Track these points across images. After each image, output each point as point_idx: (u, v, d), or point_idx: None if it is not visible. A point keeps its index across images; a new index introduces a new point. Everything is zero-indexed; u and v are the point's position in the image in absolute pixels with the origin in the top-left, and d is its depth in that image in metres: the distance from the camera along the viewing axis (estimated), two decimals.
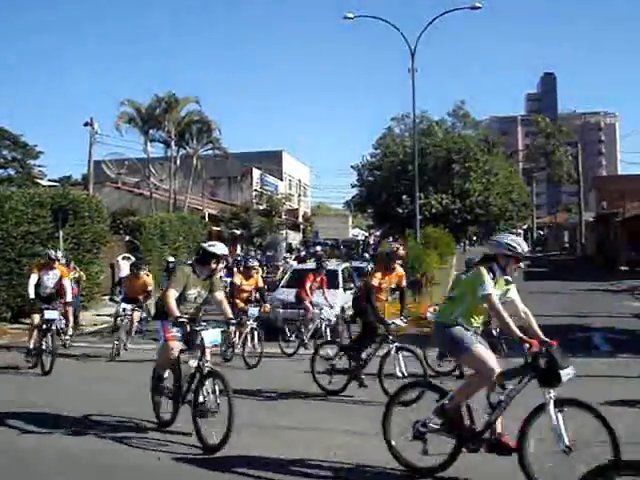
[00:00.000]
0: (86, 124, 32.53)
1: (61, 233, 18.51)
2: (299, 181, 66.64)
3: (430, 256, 28.07)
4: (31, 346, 11.92)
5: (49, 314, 11.85)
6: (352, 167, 54.69)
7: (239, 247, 37.10)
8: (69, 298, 12.74)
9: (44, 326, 11.73)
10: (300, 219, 59.02)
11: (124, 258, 23.93)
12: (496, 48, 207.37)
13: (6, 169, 52.38)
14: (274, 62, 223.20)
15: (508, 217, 50.77)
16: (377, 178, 50.80)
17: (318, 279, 14.72)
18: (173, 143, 39.07)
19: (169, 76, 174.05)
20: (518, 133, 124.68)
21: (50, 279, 12.40)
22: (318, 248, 31.30)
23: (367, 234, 64.14)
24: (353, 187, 56.95)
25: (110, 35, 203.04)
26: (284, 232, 46.99)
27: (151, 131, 38.89)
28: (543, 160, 76.45)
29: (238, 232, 37.34)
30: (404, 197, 43.70)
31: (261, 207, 42.30)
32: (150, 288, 13.91)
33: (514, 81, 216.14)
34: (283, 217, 45.54)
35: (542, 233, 77.86)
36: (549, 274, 35.21)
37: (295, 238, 52.55)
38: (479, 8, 29.95)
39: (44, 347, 11.48)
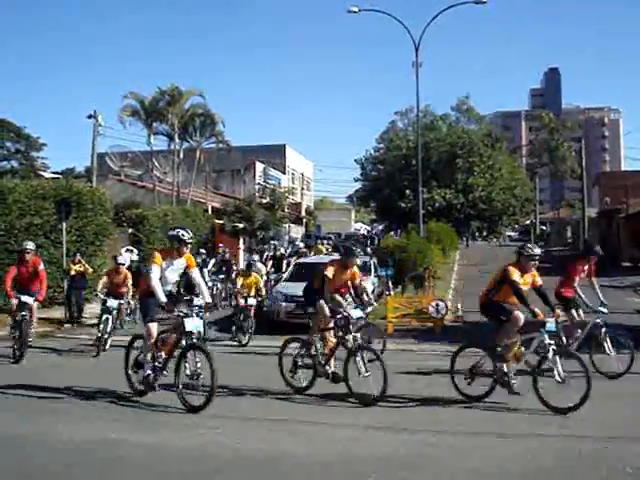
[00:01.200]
0: (90, 116, 32.50)
1: (64, 225, 18.53)
2: (302, 175, 66.54)
3: (433, 251, 28.03)
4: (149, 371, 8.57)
5: (192, 324, 8.36)
6: (355, 161, 54.82)
7: (242, 240, 37.10)
8: (208, 297, 9.06)
9: (184, 341, 8.38)
10: (303, 213, 58.98)
11: (127, 251, 24.01)
12: (500, 43, 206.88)
13: (9, 161, 52.49)
14: (277, 56, 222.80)
15: (511, 212, 50.77)
16: (380, 172, 50.80)
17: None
18: (176, 136, 39.03)
19: (172, 70, 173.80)
20: (522, 128, 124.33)
21: (175, 271, 9.02)
22: (301, 244, 31.08)
23: (370, 228, 64.13)
24: (356, 181, 57.14)
25: (113, 29, 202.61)
26: (287, 226, 46.96)
27: (154, 124, 38.88)
28: (546, 155, 76.33)
29: (241, 225, 37.28)
30: (407, 191, 43.70)
31: (264, 200, 42.22)
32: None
33: (518, 76, 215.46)
34: (286, 211, 45.48)
35: (545, 229, 77.73)
36: (552, 269, 35.10)
37: (298, 232, 52.55)
38: (484, 2, 29.90)
39: (188, 372, 8.13)
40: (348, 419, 7.84)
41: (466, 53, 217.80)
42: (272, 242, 30.22)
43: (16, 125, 51.66)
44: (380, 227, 57.64)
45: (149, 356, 8.66)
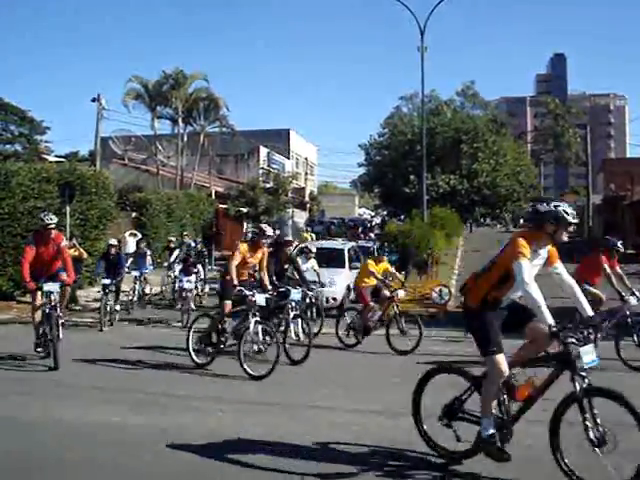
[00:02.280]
0: (93, 100, 32.44)
1: (68, 209, 18.50)
2: (306, 160, 66.43)
3: (437, 236, 27.99)
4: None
5: (588, 358, 5.12)
6: (360, 146, 54.52)
7: (245, 225, 37.09)
8: (590, 310, 5.70)
9: (577, 384, 5.13)
10: (307, 198, 58.92)
11: (130, 234, 24.01)
12: (506, 28, 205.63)
13: (13, 144, 52.44)
14: (283, 40, 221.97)
15: (515, 198, 50.61)
16: (384, 157, 50.61)
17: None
18: (180, 120, 38.95)
19: (177, 53, 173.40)
20: (527, 114, 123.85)
21: (536, 267, 5.71)
22: (276, 232, 30.04)
23: (373, 213, 64.03)
24: (360, 166, 56.83)
25: (118, 13, 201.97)
26: (290, 211, 46.94)
27: (158, 108, 38.78)
28: (552, 142, 76.03)
29: (245, 210, 37.27)
30: (411, 177, 43.53)
31: (268, 185, 42.19)
32: None
33: (524, 62, 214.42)
34: (290, 196, 45.43)
35: None
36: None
37: (302, 216, 52.52)
38: None
39: (592, 436, 4.93)
40: (351, 404, 7.83)
41: (471, 39, 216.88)
42: (250, 229, 28.45)
43: (20, 108, 51.59)
44: (384, 213, 57.55)
45: (493, 404, 5.63)
